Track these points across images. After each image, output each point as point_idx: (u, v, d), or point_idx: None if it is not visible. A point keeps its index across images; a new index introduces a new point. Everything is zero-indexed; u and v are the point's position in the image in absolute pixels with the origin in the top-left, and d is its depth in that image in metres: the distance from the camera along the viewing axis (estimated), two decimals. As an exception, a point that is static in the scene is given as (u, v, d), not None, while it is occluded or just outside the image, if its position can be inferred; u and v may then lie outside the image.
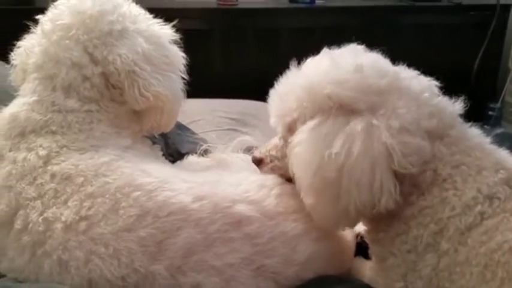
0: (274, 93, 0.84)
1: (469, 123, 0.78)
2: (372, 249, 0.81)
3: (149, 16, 0.96)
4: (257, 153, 0.91)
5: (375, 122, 0.70)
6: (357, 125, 0.70)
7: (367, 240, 0.84)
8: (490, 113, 2.71)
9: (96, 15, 0.87)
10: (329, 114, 0.73)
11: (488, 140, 0.76)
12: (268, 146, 0.90)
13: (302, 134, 0.75)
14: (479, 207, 0.68)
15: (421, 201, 0.72)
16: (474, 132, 0.77)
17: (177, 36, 0.97)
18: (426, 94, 0.75)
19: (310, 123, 0.74)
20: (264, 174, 0.89)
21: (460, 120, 0.77)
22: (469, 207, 0.68)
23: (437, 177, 0.71)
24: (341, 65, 0.76)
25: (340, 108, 0.73)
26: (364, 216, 0.75)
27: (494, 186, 0.69)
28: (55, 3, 0.92)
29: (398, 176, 0.71)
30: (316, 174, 0.71)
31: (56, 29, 0.87)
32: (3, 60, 1.24)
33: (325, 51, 0.82)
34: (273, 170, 0.88)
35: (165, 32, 0.95)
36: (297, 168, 0.76)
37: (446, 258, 0.68)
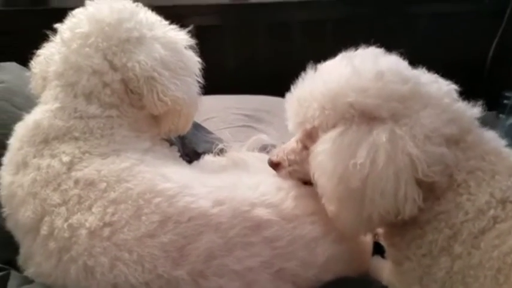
0: (292, 98, 0.84)
1: (485, 128, 0.78)
2: (388, 253, 0.82)
3: (165, 22, 0.98)
4: (274, 157, 0.91)
5: (398, 131, 0.71)
6: (381, 135, 0.70)
7: (383, 243, 0.85)
8: (505, 101, 2.67)
9: (115, 23, 0.88)
10: (351, 123, 0.73)
11: (503, 143, 0.77)
12: (285, 150, 0.90)
13: (325, 143, 0.75)
14: (492, 212, 0.69)
15: (436, 207, 0.72)
16: (490, 136, 0.77)
17: (192, 42, 0.98)
18: (446, 100, 0.75)
19: (333, 132, 0.75)
20: (281, 177, 0.90)
21: (476, 124, 0.77)
22: (482, 211, 0.69)
23: (452, 183, 0.72)
24: (362, 72, 0.75)
25: (362, 115, 0.73)
26: (386, 223, 0.76)
27: (507, 190, 0.70)
28: (73, 12, 0.93)
29: (417, 182, 0.71)
30: (340, 183, 0.72)
31: (76, 37, 0.88)
32: (19, 60, 1.27)
33: (344, 56, 0.82)
34: (291, 174, 0.89)
35: (181, 37, 0.97)
36: (320, 177, 0.76)
37: (460, 261, 0.69)
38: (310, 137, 0.81)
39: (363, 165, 0.70)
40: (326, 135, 0.76)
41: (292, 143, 0.89)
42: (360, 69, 0.76)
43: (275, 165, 0.91)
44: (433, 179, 0.71)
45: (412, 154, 0.69)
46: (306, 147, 0.84)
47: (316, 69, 0.84)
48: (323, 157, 0.75)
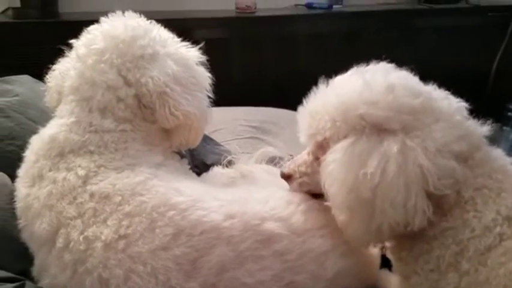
0: (304, 111, 0.86)
1: (490, 141, 0.79)
2: (396, 267, 0.83)
3: (177, 39, 1.00)
4: (285, 169, 0.93)
5: (409, 143, 0.72)
6: (392, 146, 0.72)
7: (390, 258, 0.86)
8: (509, 114, 2.69)
9: (129, 40, 0.91)
10: (362, 133, 0.75)
11: (510, 160, 0.78)
12: (297, 162, 0.91)
13: (336, 153, 0.76)
14: (498, 229, 0.70)
15: (443, 222, 0.74)
16: (497, 154, 0.78)
17: (203, 58, 1.01)
18: (458, 117, 0.76)
19: (344, 142, 0.76)
20: (292, 190, 0.92)
21: (485, 142, 0.78)
22: (488, 228, 0.70)
23: (459, 199, 0.73)
24: (373, 85, 0.77)
25: (372, 127, 0.74)
26: (396, 234, 0.76)
27: None
28: (88, 29, 0.96)
29: (426, 195, 0.72)
30: (351, 192, 0.73)
31: (91, 53, 0.91)
32: (31, 72, 1.30)
33: (356, 70, 0.84)
34: (301, 186, 0.90)
35: (192, 54, 1.00)
36: (331, 186, 0.77)
37: (467, 278, 0.70)
38: (321, 149, 0.83)
39: (373, 175, 0.71)
40: (337, 145, 0.77)
41: (304, 156, 0.91)
42: (371, 82, 0.78)
43: (286, 177, 0.93)
44: (443, 193, 0.72)
45: (423, 166, 0.70)
46: (317, 159, 0.85)
47: (327, 83, 0.85)
48: (334, 166, 0.76)
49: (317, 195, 0.88)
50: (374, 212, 0.72)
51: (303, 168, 0.90)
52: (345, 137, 0.77)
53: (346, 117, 0.76)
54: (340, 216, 0.77)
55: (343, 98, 0.79)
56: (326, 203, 0.84)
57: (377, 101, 0.75)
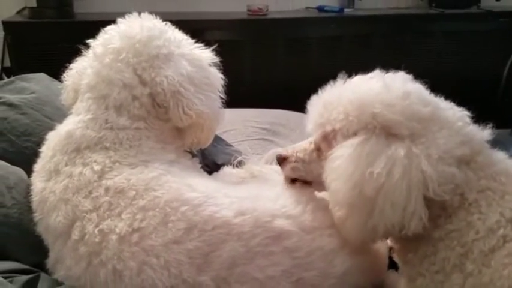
0: (317, 100, 0.87)
1: (497, 147, 0.81)
2: (402, 270, 0.84)
3: (191, 41, 1.02)
4: (283, 152, 0.94)
5: (415, 150, 0.74)
6: (400, 150, 0.73)
7: (397, 260, 0.87)
8: (520, 118, 2.68)
9: (145, 40, 0.93)
10: (372, 133, 0.76)
11: None
12: (296, 147, 0.93)
13: (345, 149, 0.78)
14: (502, 231, 0.71)
15: (448, 225, 0.75)
16: (500, 157, 0.79)
17: (216, 59, 1.03)
18: (460, 123, 0.78)
19: (355, 140, 0.77)
20: (284, 173, 0.93)
21: (487, 146, 0.80)
22: (492, 230, 0.71)
23: (464, 202, 0.75)
24: (392, 89, 0.79)
25: (382, 129, 0.76)
26: (390, 237, 0.78)
27: None
28: (105, 29, 0.98)
29: (428, 200, 0.74)
30: (355, 188, 0.75)
31: (108, 52, 0.93)
32: (45, 69, 1.32)
33: (377, 73, 0.85)
34: (293, 170, 0.92)
35: (206, 55, 1.02)
36: (334, 181, 0.79)
37: (471, 279, 0.71)
38: (326, 140, 0.84)
39: (379, 175, 0.73)
40: (347, 141, 0.78)
41: (305, 144, 0.92)
42: (390, 86, 0.80)
43: (282, 160, 0.94)
44: (443, 198, 0.73)
45: (425, 172, 0.72)
46: (318, 150, 0.87)
47: (345, 80, 0.87)
48: (341, 162, 0.77)
49: (305, 182, 0.90)
50: (373, 211, 0.74)
51: (301, 155, 0.91)
52: (355, 133, 0.78)
53: (360, 113, 0.78)
54: (338, 212, 0.78)
55: (360, 94, 0.80)
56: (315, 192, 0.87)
57: (393, 104, 0.77)
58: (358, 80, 0.86)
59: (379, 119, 0.76)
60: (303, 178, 0.91)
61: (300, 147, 0.92)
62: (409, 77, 0.84)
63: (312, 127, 0.88)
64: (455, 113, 0.80)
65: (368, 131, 0.77)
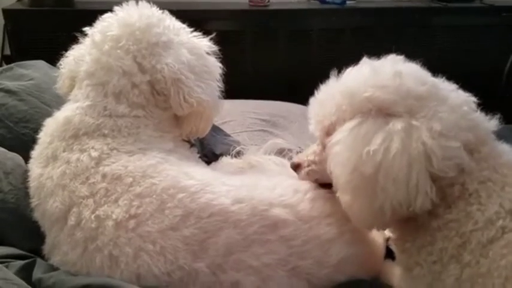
0: (314, 101, 0.87)
1: (501, 141, 0.79)
2: (399, 259, 0.83)
3: (188, 29, 1.02)
4: (296, 159, 0.95)
5: (415, 122, 0.72)
6: (397, 124, 0.72)
7: (394, 249, 0.86)
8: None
9: (144, 28, 0.93)
10: (368, 116, 0.75)
11: None
12: (307, 152, 0.93)
13: (341, 133, 0.77)
14: (501, 222, 0.70)
15: (447, 215, 0.74)
16: (505, 149, 0.78)
17: (214, 48, 1.02)
18: (465, 108, 0.76)
19: (350, 123, 0.77)
20: (301, 178, 0.93)
21: (492, 136, 0.78)
22: (491, 221, 0.70)
23: (464, 192, 0.74)
24: (380, 72, 0.78)
25: (379, 111, 0.75)
26: (399, 216, 0.76)
27: None
28: (102, 16, 0.98)
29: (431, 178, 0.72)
30: (354, 171, 0.74)
31: (107, 39, 0.93)
32: (45, 57, 1.32)
33: (365, 61, 0.84)
34: (309, 175, 0.92)
35: (204, 43, 1.02)
36: (335, 166, 0.78)
37: (468, 269, 0.71)
38: (328, 135, 0.83)
39: (376, 152, 0.71)
40: (343, 126, 0.78)
41: (314, 146, 0.92)
42: (379, 69, 0.79)
43: (296, 167, 0.94)
44: (447, 175, 0.72)
45: (426, 144, 0.70)
46: (325, 148, 0.86)
47: (338, 75, 0.86)
48: (338, 147, 0.77)
49: (325, 185, 0.89)
50: (376, 191, 0.72)
51: (311, 157, 0.91)
52: (351, 119, 0.77)
53: (352, 101, 0.77)
54: (345, 197, 0.78)
55: (349, 83, 0.80)
56: (334, 193, 0.83)
57: (384, 85, 0.76)
58: (349, 72, 0.85)
59: (373, 101, 0.75)
60: (321, 181, 0.90)
61: (309, 150, 0.93)
62: (401, 58, 0.83)
63: (314, 127, 0.88)
64: (459, 96, 0.78)
65: (364, 114, 0.76)
